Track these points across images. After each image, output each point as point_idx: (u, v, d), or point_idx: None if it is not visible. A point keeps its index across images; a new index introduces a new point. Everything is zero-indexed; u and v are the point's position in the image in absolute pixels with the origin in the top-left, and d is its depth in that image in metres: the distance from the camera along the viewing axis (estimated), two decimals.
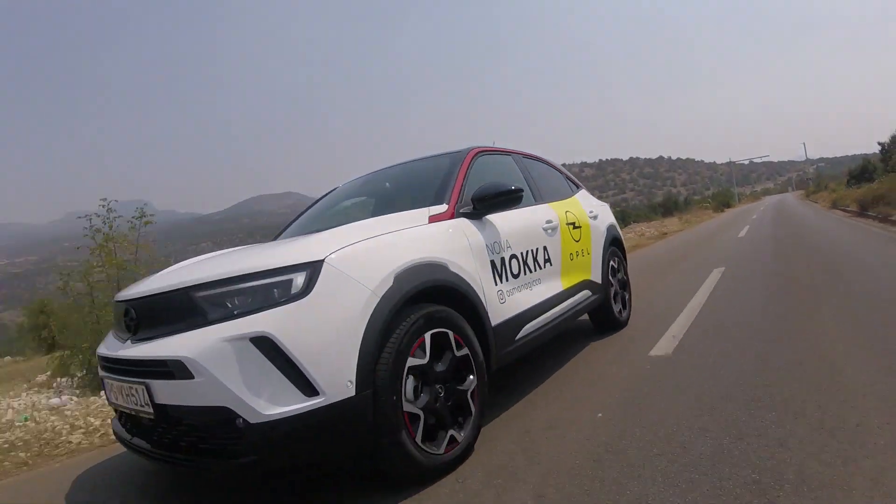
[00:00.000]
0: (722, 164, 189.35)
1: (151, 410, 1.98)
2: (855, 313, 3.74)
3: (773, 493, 1.60)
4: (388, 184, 3.77)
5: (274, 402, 1.83)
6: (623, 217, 38.98)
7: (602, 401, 2.72)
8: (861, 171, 31.90)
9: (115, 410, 2.47)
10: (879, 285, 4.62)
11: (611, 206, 5.33)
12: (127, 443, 2.36)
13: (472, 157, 3.24)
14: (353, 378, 1.93)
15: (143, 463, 2.74)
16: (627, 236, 15.32)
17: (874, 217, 12.16)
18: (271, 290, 1.95)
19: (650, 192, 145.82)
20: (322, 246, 2.08)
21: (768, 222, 16.68)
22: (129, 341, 2.19)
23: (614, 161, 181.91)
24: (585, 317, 4.28)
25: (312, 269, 1.98)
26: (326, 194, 4.11)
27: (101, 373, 2.39)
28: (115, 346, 2.30)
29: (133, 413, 2.13)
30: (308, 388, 1.86)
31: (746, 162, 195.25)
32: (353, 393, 1.92)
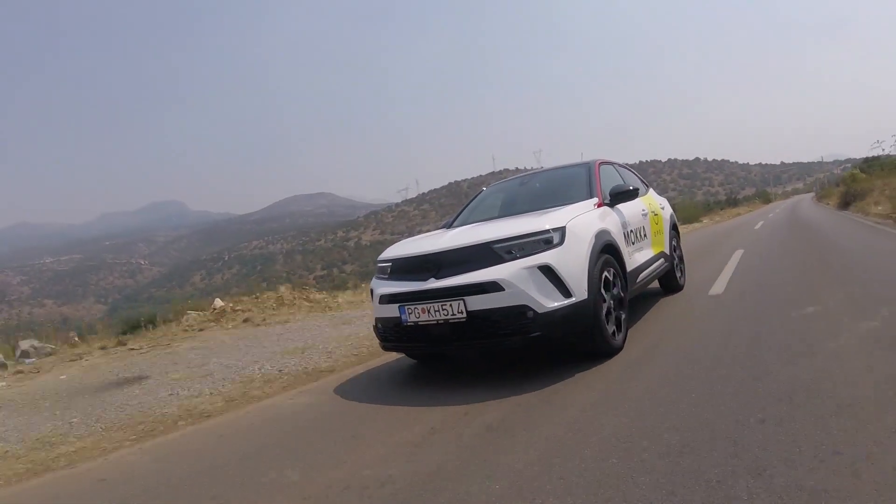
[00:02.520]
0: (754, 164, 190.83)
1: (464, 315, 3.17)
2: (794, 217, 21.03)
3: (792, 329, 3.59)
4: (538, 184, 5.09)
5: (550, 300, 3.16)
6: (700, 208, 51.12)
7: (695, 309, 4.89)
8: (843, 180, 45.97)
9: (384, 335, 3.73)
10: (809, 216, 20.03)
11: (681, 202, 10.57)
12: (403, 348, 3.82)
13: (599, 166, 4.75)
14: (586, 288, 3.32)
15: (381, 372, 4.28)
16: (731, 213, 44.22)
17: (821, 202, 36.38)
18: (542, 242, 3.31)
19: (691, 192, 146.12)
20: (562, 218, 3.48)
21: (790, 206, 39.85)
22: (432, 279, 3.37)
23: (654, 162, 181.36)
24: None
25: (562, 231, 3.37)
26: (479, 193, 5.54)
27: (399, 304, 3.44)
28: (416, 284, 3.44)
29: (437, 323, 3.26)
30: (566, 293, 3.22)
31: (778, 163, 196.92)
32: (586, 296, 3.31)
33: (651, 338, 4.05)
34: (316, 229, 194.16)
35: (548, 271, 3.20)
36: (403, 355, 4.52)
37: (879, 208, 15.46)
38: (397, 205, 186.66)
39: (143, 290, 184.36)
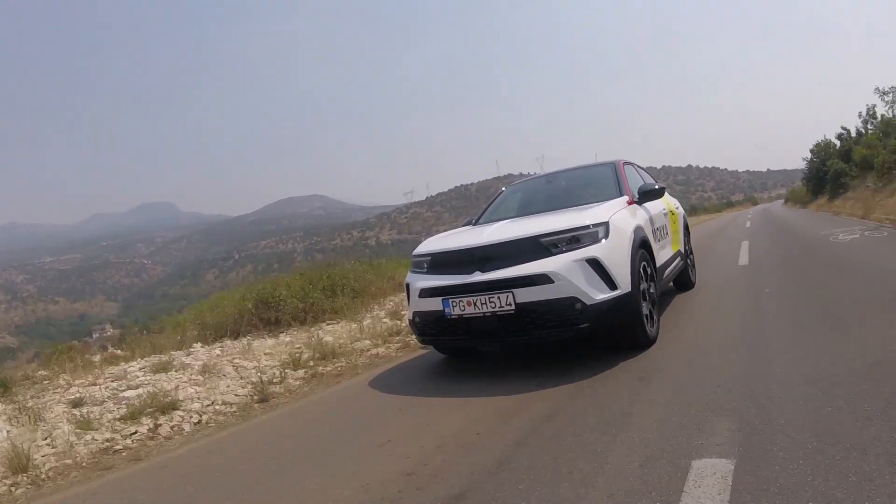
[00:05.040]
0: (742, 171, 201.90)
1: (513, 308, 3.26)
2: (765, 208, 55.56)
3: (818, 278, 6.01)
4: (564, 182, 5.26)
5: (598, 292, 3.30)
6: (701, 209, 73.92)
7: (734, 271, 7.24)
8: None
9: (423, 329, 3.78)
10: (769, 206, 61.09)
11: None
12: (444, 341, 3.93)
13: (623, 165, 4.98)
14: (629, 281, 3.47)
15: (411, 366, 4.31)
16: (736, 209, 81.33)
17: (786, 204, 59.28)
18: (588, 236, 3.44)
19: (686, 197, 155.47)
20: (605, 214, 3.65)
21: (768, 205, 70.65)
22: (477, 272, 3.45)
23: (650, 169, 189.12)
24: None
25: (607, 226, 3.52)
26: (502, 191, 5.63)
27: (443, 297, 3.51)
28: (461, 277, 3.50)
29: (484, 315, 3.35)
30: (612, 286, 3.36)
31: (764, 170, 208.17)
32: (630, 289, 3.46)
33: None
34: (325, 229, 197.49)
35: (595, 264, 3.33)
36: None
37: (788, 203, 53.16)
38: (407, 206, 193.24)
39: (154, 287, 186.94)
